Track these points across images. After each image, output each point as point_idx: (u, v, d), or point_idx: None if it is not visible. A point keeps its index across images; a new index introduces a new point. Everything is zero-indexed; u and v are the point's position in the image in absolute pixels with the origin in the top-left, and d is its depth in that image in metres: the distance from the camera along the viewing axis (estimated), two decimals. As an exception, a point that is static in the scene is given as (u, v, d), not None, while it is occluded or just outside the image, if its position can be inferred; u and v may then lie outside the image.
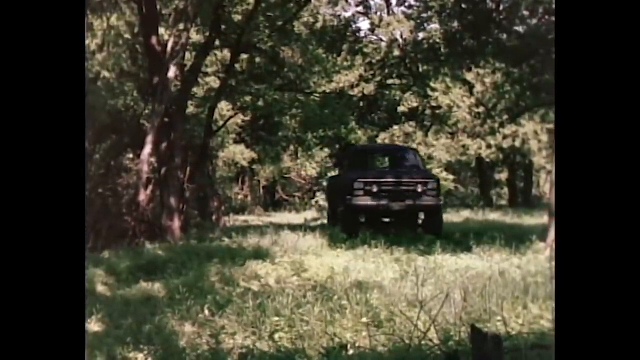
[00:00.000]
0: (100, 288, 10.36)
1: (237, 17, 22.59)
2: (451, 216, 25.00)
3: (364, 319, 7.25)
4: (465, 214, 26.02)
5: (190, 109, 23.37)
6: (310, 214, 28.51)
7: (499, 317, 7.08)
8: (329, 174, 30.67)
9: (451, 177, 39.97)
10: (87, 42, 19.35)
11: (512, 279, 9.37)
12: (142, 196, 17.15)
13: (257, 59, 25.57)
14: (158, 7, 19.18)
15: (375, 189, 16.94)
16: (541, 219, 19.49)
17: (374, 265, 12.03)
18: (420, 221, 17.70)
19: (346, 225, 16.90)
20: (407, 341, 6.19)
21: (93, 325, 7.67)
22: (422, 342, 6.04)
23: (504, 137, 34.84)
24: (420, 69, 29.70)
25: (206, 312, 7.84)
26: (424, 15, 28.28)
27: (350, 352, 6.22)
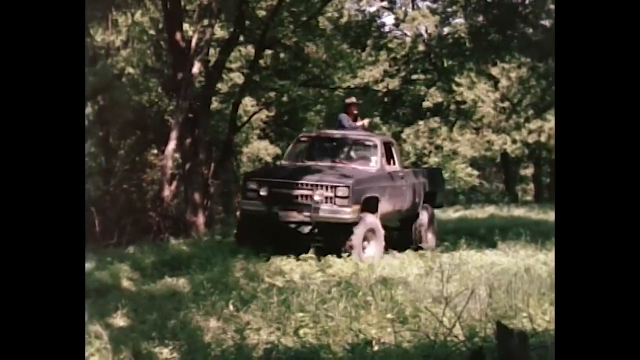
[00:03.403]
0: (125, 283, 10.41)
1: (262, 13, 22.59)
2: (476, 212, 24.91)
3: (389, 315, 7.22)
4: (490, 209, 25.90)
5: (215, 105, 23.39)
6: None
7: (525, 314, 7.04)
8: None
9: (476, 172, 39.83)
10: (111, 38, 19.50)
11: (538, 276, 9.32)
12: (167, 192, 17.20)
13: (282, 55, 25.55)
14: (182, 3, 19.22)
15: (264, 192, 12.93)
16: (567, 214, 19.34)
17: (399, 261, 12.03)
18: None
19: (238, 234, 13.62)
20: (432, 337, 6.15)
21: (118, 320, 7.70)
22: (448, 338, 6.01)
23: (530, 132, 34.74)
24: (445, 64, 29.49)
25: (231, 307, 7.84)
26: (449, 9, 28.07)
27: (376, 348, 6.20)
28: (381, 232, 13.01)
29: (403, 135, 36.17)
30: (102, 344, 6.32)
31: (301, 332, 6.83)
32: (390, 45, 30.97)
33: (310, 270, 11.13)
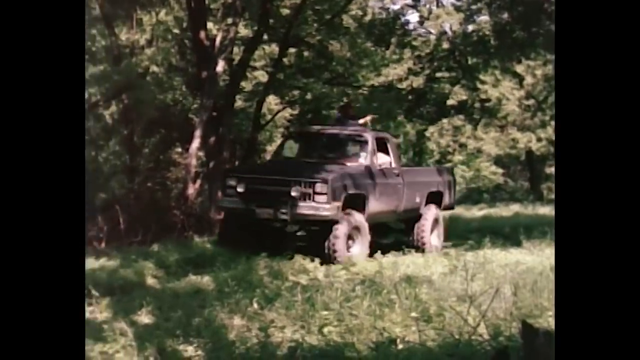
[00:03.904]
0: (150, 281, 10.46)
1: (286, 11, 22.58)
2: (500, 210, 24.82)
3: (413, 314, 7.19)
4: (515, 208, 25.81)
5: (239, 103, 23.41)
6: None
7: (550, 313, 6.98)
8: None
9: (500, 171, 39.67)
10: (136, 37, 19.60)
11: (564, 274, 9.22)
12: (191, 190, 17.24)
13: (306, 53, 25.52)
14: (206, 2, 19.26)
15: (241, 189, 12.52)
16: (593, 213, 19.20)
17: (423, 259, 11.99)
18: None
19: (220, 233, 13.56)
20: (456, 336, 6.13)
21: (143, 318, 7.74)
22: (472, 337, 5.98)
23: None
24: (470, 62, 29.37)
25: (255, 305, 7.85)
26: (474, 7, 27.89)
27: (400, 346, 6.18)
28: (367, 231, 12.53)
29: (427, 134, 36.09)
30: (127, 341, 6.35)
31: (325, 330, 6.83)
32: (414, 43, 30.87)
33: (334, 268, 11.13)
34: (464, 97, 33.17)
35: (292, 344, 6.37)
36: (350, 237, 12.21)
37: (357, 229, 12.34)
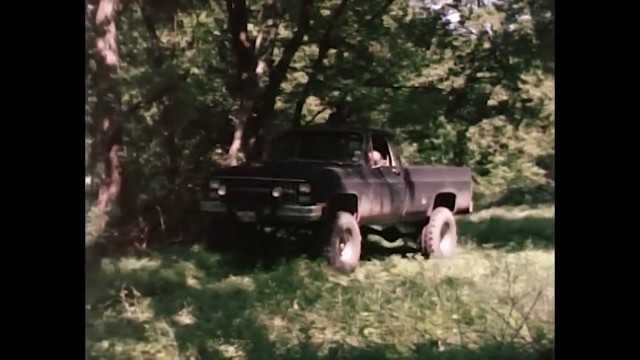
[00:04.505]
0: (190, 281, 10.51)
1: (326, 12, 22.56)
2: (542, 212, 24.57)
3: (455, 316, 7.16)
4: (558, 209, 25.51)
5: (279, 104, 23.46)
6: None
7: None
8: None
9: (542, 171, 39.31)
10: (177, 39, 19.71)
11: (608, 276, 9.11)
12: (231, 191, 17.27)
13: (346, 54, 25.47)
14: (247, 3, 19.33)
15: (222, 191, 11.92)
16: (637, 214, 18.94)
17: (464, 261, 11.93)
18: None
19: (208, 238, 12.82)
20: (498, 339, 6.07)
21: (184, 318, 7.78)
22: (515, 340, 5.93)
23: (598, 130, 34.03)
24: (511, 62, 29.10)
25: (296, 306, 7.86)
26: (515, 6, 27.67)
27: (441, 348, 6.15)
28: (358, 234, 11.90)
29: (468, 134, 35.88)
30: (168, 341, 6.39)
31: (366, 331, 6.82)
32: (455, 43, 30.67)
33: (374, 269, 11.11)
34: (505, 98, 32.89)
35: (333, 345, 6.36)
36: (341, 240, 11.59)
37: (348, 231, 11.71)
